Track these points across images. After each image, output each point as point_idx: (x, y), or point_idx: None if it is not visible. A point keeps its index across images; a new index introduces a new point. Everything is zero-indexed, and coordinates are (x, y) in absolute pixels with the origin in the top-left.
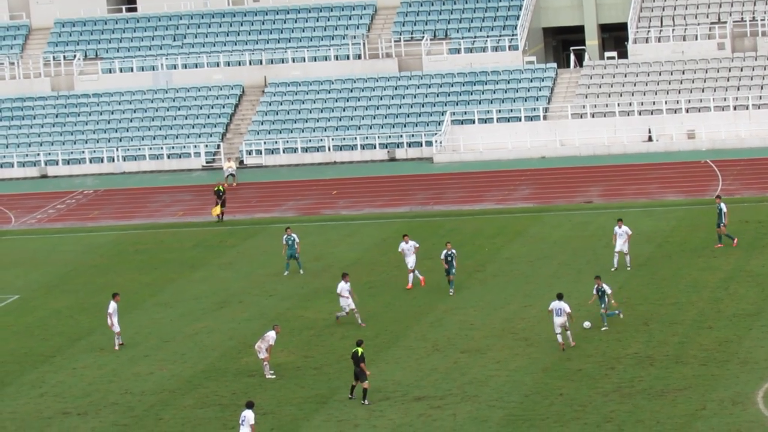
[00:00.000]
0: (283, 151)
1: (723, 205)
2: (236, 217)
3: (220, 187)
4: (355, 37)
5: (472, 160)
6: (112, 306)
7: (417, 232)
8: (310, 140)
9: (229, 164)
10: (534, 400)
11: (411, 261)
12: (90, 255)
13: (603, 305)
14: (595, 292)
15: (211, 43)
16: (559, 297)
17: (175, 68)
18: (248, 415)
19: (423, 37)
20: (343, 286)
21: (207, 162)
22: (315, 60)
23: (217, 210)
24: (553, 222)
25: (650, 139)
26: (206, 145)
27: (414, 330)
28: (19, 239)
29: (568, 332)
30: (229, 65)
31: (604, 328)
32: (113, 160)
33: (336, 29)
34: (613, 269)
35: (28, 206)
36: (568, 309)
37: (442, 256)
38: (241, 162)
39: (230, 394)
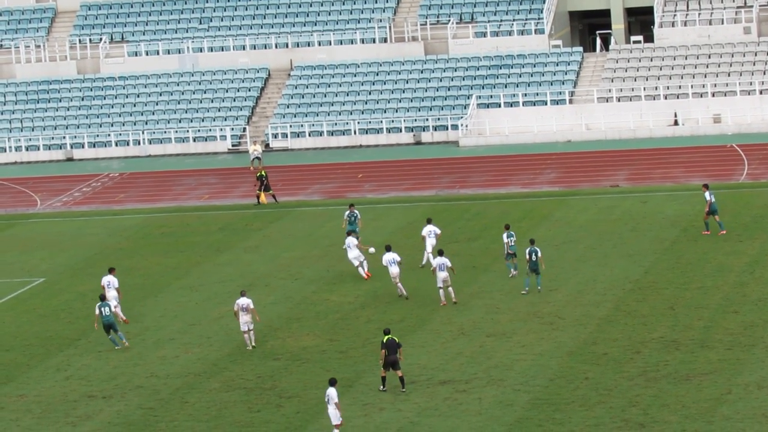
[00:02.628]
0: (309, 135)
1: (707, 194)
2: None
3: (263, 172)
4: (381, 21)
5: (497, 144)
6: (113, 281)
7: (442, 216)
8: (335, 124)
9: (255, 147)
10: (559, 384)
11: (355, 254)
12: (115, 238)
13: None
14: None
15: (237, 26)
16: (440, 253)
17: (201, 51)
18: (331, 394)
19: (449, 20)
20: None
21: (233, 145)
22: (341, 43)
23: (263, 197)
24: (578, 206)
25: (676, 123)
26: (232, 129)
27: (440, 314)
28: (45, 222)
29: (450, 288)
30: (254, 48)
31: None
32: (139, 143)
33: (362, 12)
34: (420, 265)
35: (53, 189)
36: (449, 263)
37: (527, 255)
38: (267, 145)
39: (256, 378)
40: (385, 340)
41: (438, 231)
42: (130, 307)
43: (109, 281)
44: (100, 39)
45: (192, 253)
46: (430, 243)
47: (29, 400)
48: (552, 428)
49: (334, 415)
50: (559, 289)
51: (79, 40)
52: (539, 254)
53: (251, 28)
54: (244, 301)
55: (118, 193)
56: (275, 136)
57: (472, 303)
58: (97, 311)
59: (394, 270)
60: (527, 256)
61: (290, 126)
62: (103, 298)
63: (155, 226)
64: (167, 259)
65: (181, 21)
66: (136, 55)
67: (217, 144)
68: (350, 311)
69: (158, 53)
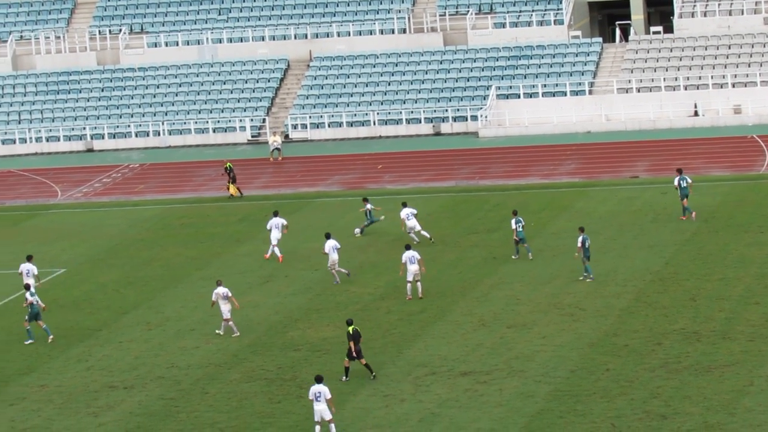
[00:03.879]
0: (329, 126)
1: (677, 180)
2: (281, 192)
3: (229, 165)
4: (400, 12)
5: (517, 135)
6: (26, 267)
7: (462, 207)
8: (355, 114)
9: (275, 138)
10: (580, 376)
11: (276, 235)
12: (135, 229)
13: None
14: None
15: (256, 17)
16: (408, 247)
17: (220, 42)
18: (323, 390)
19: (468, 11)
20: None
21: (252, 136)
22: (360, 34)
23: (233, 189)
24: (599, 197)
25: (696, 114)
26: (252, 120)
27: (460, 305)
28: (66, 213)
29: (419, 283)
30: (274, 39)
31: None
32: (159, 134)
33: (381, 3)
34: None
35: (74, 180)
36: (419, 256)
37: (579, 242)
38: (287, 136)
39: (276, 369)
40: (351, 331)
41: (415, 211)
42: (151, 298)
43: (28, 269)
44: (120, 30)
45: (212, 244)
46: (411, 225)
47: (51, 391)
48: (573, 420)
49: (327, 410)
50: (580, 280)
51: (99, 32)
52: (589, 241)
53: (270, 19)
54: (222, 290)
55: (137, 183)
56: (295, 126)
57: (492, 294)
58: (27, 300)
59: (334, 257)
60: (579, 244)
61: (309, 117)
62: (28, 287)
63: (175, 216)
64: (187, 249)
65: (200, 12)
66: (156, 46)
67: (237, 135)
68: (370, 302)
69: (177, 44)
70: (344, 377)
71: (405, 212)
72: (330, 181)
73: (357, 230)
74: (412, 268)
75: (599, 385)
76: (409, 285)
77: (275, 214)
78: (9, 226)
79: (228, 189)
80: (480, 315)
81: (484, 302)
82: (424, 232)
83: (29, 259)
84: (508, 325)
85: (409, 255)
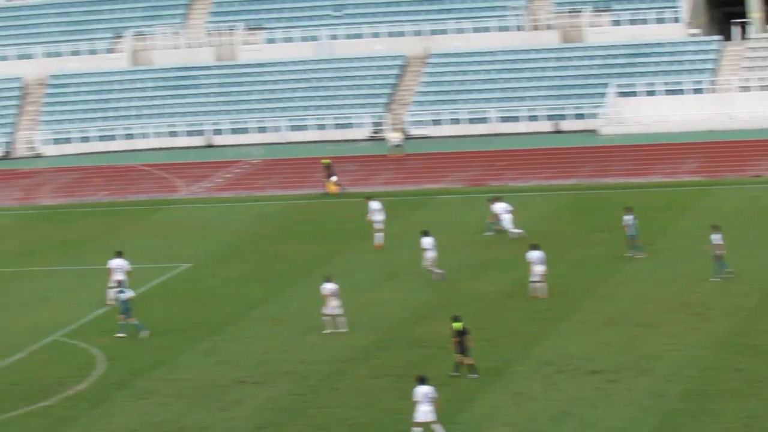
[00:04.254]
0: (448, 122)
1: None
2: (404, 188)
3: (327, 161)
4: (516, 9)
5: (637, 133)
6: (118, 263)
7: (585, 205)
8: (474, 112)
9: (395, 135)
10: (711, 375)
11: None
12: (258, 224)
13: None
14: None
15: (372, 13)
16: (535, 247)
17: (336, 39)
18: (431, 391)
19: (585, 8)
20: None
21: (372, 132)
22: (476, 31)
23: (332, 187)
24: (722, 196)
25: None
26: (371, 116)
27: (586, 303)
28: (188, 208)
29: (543, 284)
30: (390, 36)
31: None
32: (278, 130)
33: (497, 0)
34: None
35: (195, 175)
36: (544, 256)
37: (719, 241)
38: (406, 133)
39: (404, 365)
40: (461, 328)
41: (510, 207)
42: (276, 293)
43: (121, 265)
44: (237, 26)
45: (335, 240)
46: (507, 218)
47: (180, 385)
48: (705, 420)
49: (432, 412)
50: (707, 279)
51: (217, 28)
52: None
53: (386, 15)
54: (333, 286)
55: (258, 179)
56: (414, 123)
57: (618, 293)
58: (115, 298)
59: (432, 254)
60: (720, 242)
61: (429, 114)
62: (119, 283)
63: (297, 212)
64: (310, 246)
65: (316, 8)
66: (273, 42)
67: (356, 131)
68: (496, 299)
69: (294, 40)
70: (473, 374)
71: (500, 207)
72: (451, 177)
73: (489, 233)
74: (539, 269)
75: (730, 385)
76: (531, 285)
77: (369, 198)
78: (133, 221)
79: (326, 187)
80: (607, 313)
81: (610, 301)
82: (515, 230)
83: (119, 254)
84: (635, 323)
85: (537, 255)
